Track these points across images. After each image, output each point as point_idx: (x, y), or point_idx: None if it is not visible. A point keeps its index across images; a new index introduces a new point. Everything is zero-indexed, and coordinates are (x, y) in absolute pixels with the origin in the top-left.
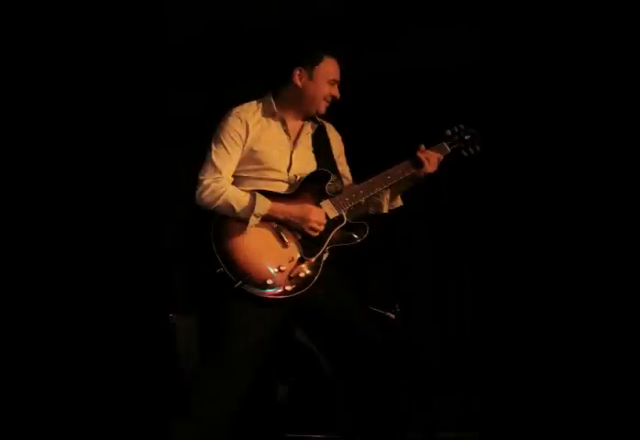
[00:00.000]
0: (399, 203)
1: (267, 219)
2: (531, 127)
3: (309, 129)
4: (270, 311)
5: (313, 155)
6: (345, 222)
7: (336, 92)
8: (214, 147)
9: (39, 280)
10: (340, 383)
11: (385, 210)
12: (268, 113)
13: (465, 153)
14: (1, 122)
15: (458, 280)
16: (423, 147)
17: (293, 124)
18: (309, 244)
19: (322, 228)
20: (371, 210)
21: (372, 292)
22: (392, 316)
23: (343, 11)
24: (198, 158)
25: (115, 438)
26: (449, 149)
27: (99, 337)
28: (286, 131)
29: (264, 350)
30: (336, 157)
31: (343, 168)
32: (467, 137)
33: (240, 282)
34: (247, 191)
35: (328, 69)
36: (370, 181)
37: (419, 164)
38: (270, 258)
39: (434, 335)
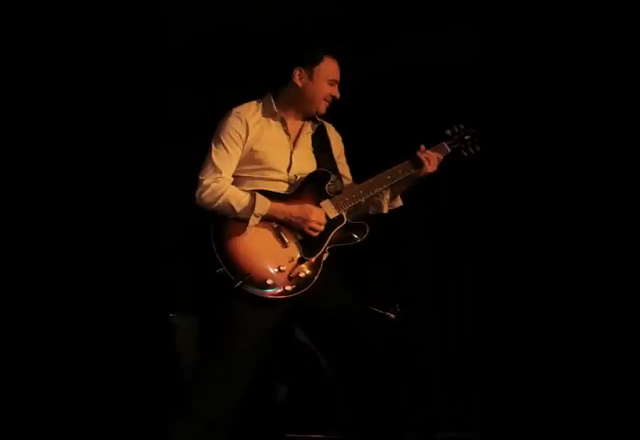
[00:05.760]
0: (399, 203)
1: (267, 219)
2: (531, 127)
3: (309, 129)
4: (270, 311)
5: (313, 155)
6: (345, 222)
7: (336, 92)
8: (214, 147)
9: (40, 280)
10: (340, 383)
11: (385, 210)
12: (268, 113)
13: (465, 153)
14: (2, 122)
15: (459, 279)
16: (423, 147)
17: (293, 124)
18: (309, 244)
19: (322, 228)
20: (371, 210)
21: (372, 292)
22: (392, 316)
23: (342, 11)
24: (198, 158)
25: (116, 438)
26: (449, 149)
27: (99, 337)
28: (286, 131)
29: (264, 350)
30: (336, 157)
31: (343, 168)
32: (467, 137)
33: (240, 282)
34: (247, 191)
35: (328, 69)
36: (370, 181)
37: (419, 164)
38: (270, 258)
39: (434, 335)
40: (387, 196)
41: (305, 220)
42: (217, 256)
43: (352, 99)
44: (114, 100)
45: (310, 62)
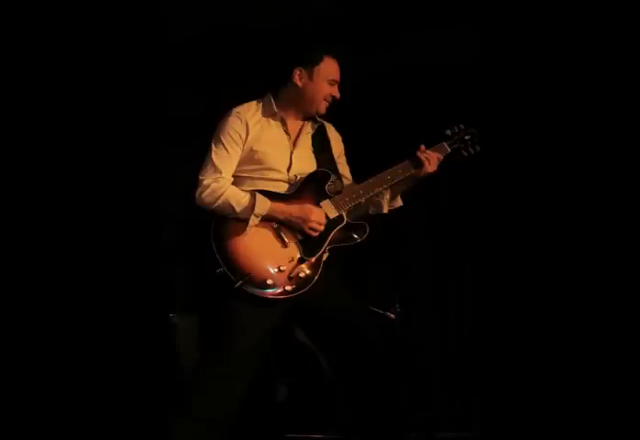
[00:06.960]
0: (399, 203)
1: (267, 219)
2: (531, 127)
3: (309, 129)
4: (270, 311)
5: (313, 155)
6: (345, 222)
7: (336, 92)
8: (214, 147)
9: (40, 280)
10: (340, 383)
11: (385, 210)
12: (268, 113)
13: (465, 153)
14: (1, 122)
15: (459, 279)
16: (423, 147)
17: (293, 124)
18: (309, 244)
19: (322, 228)
20: (371, 210)
21: (372, 292)
22: (392, 316)
23: (342, 11)
24: (198, 158)
25: (116, 438)
26: (449, 149)
27: (99, 337)
28: (286, 131)
29: (264, 350)
30: (336, 157)
31: (343, 168)
32: (467, 137)
33: (240, 282)
34: (247, 191)
35: (328, 69)
36: (370, 181)
37: (419, 164)
38: (270, 258)
39: (434, 335)
40: (387, 196)
41: (305, 220)
42: (217, 256)
43: (352, 99)
44: (114, 100)
45: (310, 62)
